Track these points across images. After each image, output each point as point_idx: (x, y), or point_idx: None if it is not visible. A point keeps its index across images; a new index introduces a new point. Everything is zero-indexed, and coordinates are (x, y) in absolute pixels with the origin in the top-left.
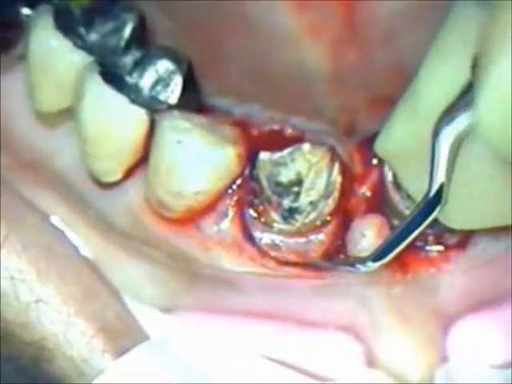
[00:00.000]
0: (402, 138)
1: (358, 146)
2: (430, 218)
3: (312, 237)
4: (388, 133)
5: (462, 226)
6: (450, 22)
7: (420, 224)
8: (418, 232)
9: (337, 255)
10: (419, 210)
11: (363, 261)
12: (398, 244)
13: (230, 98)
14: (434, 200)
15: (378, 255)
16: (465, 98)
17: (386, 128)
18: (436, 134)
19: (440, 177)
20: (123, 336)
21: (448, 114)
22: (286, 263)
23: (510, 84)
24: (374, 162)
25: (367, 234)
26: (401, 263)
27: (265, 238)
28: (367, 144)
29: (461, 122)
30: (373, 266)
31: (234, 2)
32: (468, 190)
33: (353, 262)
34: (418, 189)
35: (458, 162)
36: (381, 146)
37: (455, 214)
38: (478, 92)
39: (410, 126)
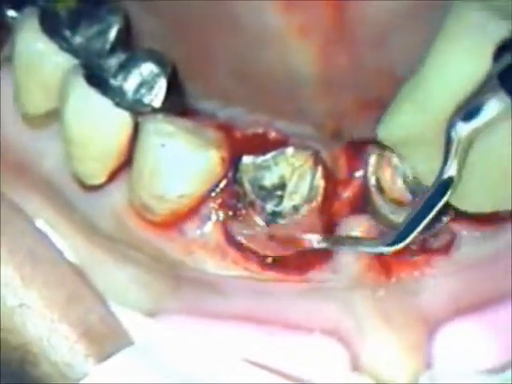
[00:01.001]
0: (409, 125)
1: (343, 150)
2: (444, 200)
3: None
4: (393, 119)
5: (473, 208)
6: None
7: (434, 206)
8: (433, 214)
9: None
10: (432, 192)
11: (381, 243)
12: (416, 225)
13: (215, 100)
14: (446, 184)
15: (397, 238)
16: (486, 89)
17: (391, 114)
18: (452, 125)
19: (453, 164)
20: (107, 340)
21: (466, 106)
22: (270, 267)
23: None
24: (360, 166)
25: (354, 229)
26: (384, 267)
27: (247, 240)
28: (353, 148)
29: (481, 118)
30: (395, 247)
31: (221, 2)
32: (484, 174)
33: (373, 243)
34: (426, 170)
35: (475, 147)
36: (385, 131)
37: (468, 197)
38: None
39: (419, 115)
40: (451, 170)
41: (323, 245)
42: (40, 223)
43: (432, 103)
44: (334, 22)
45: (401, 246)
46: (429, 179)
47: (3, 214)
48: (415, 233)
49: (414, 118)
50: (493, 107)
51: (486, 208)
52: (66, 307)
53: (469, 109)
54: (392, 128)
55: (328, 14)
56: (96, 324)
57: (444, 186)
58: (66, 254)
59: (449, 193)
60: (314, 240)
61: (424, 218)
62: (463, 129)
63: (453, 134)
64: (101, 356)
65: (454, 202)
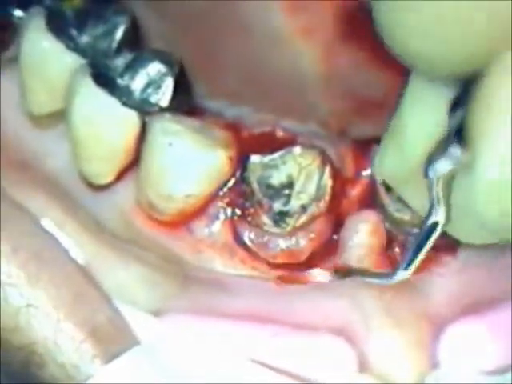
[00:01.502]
0: (392, 166)
1: (350, 149)
2: (431, 241)
3: (301, 236)
4: (380, 160)
5: (466, 240)
6: None
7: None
8: (426, 250)
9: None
10: (422, 235)
11: (385, 276)
12: (412, 261)
13: (222, 100)
14: (434, 226)
15: (403, 265)
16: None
17: (379, 155)
18: (429, 164)
19: (439, 207)
20: (114, 341)
21: (441, 147)
22: (278, 266)
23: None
24: (367, 165)
25: (361, 229)
26: (391, 265)
27: (255, 239)
28: (360, 146)
29: (454, 157)
30: (403, 275)
31: (227, 2)
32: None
33: (378, 275)
34: (419, 205)
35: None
36: (376, 171)
37: (460, 230)
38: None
39: (398, 157)
40: (438, 214)
41: (330, 279)
42: (46, 222)
43: (408, 149)
44: (338, 22)
45: (401, 278)
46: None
47: (8, 212)
48: (413, 267)
49: (397, 160)
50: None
51: (477, 240)
52: (72, 307)
53: (444, 147)
54: (381, 167)
55: (332, 16)
56: (103, 324)
57: (432, 228)
58: (72, 253)
59: (436, 234)
60: (321, 276)
61: (418, 252)
62: (439, 171)
63: (431, 176)
64: (107, 356)
65: (450, 232)
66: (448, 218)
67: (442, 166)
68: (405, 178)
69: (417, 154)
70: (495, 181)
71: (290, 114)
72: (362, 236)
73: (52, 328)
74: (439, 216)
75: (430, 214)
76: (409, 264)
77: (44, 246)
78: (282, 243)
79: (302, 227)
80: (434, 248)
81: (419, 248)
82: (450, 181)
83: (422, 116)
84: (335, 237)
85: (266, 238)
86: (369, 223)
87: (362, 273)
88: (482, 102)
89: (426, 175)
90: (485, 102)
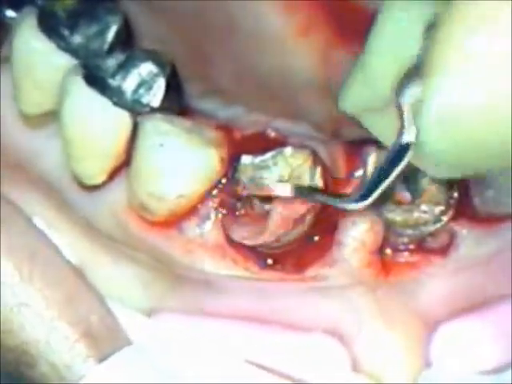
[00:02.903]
0: (358, 96)
1: (342, 150)
2: (404, 163)
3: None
4: (346, 91)
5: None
6: None
7: (394, 167)
8: (394, 176)
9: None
10: (392, 155)
11: (345, 200)
12: (377, 186)
13: (215, 100)
14: (405, 147)
15: (362, 194)
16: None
17: (345, 86)
18: (401, 89)
19: (410, 129)
20: (106, 341)
21: (413, 72)
22: (269, 266)
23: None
24: (359, 166)
25: (358, 225)
26: (383, 265)
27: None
28: (352, 147)
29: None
30: (357, 206)
31: (220, 3)
32: None
33: (336, 198)
34: (383, 133)
35: None
36: (345, 102)
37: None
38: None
39: (365, 86)
40: (409, 135)
41: (289, 193)
42: (39, 222)
43: (378, 76)
44: (333, 22)
45: (362, 204)
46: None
47: (2, 212)
48: (377, 193)
49: (364, 89)
50: None
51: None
52: (65, 306)
53: (410, 79)
54: (347, 98)
55: (327, 16)
56: (96, 324)
57: (403, 149)
58: (65, 253)
59: (408, 155)
60: (282, 189)
61: (386, 178)
62: (410, 96)
63: (401, 101)
64: (100, 356)
65: (419, 165)
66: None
67: (413, 91)
68: (371, 107)
69: (386, 82)
70: (444, 108)
71: (282, 115)
72: (358, 231)
73: (45, 328)
74: (410, 136)
75: (400, 134)
76: (375, 186)
77: (37, 246)
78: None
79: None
80: (425, 249)
81: (387, 171)
82: (418, 106)
83: (395, 42)
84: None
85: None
86: (367, 220)
87: (324, 193)
88: (442, 30)
89: (396, 101)
90: (445, 31)
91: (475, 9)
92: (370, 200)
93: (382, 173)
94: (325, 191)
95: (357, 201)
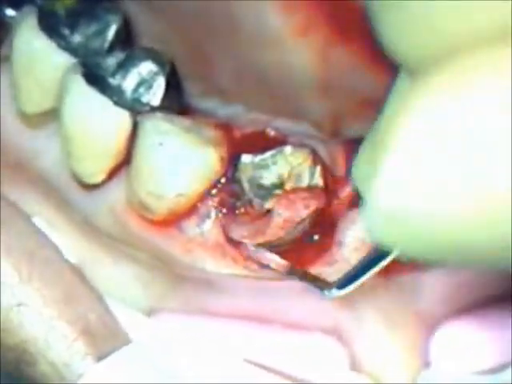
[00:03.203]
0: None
1: (341, 149)
2: (388, 258)
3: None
4: (356, 163)
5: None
6: None
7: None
8: (377, 269)
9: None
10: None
11: (329, 286)
12: (359, 277)
13: (214, 99)
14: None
15: (342, 283)
16: None
17: (356, 157)
18: None
19: None
20: (105, 339)
21: None
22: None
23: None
24: None
25: (358, 221)
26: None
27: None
28: (352, 146)
29: None
30: (338, 293)
31: (220, 2)
32: None
33: (320, 284)
34: None
35: None
36: (353, 174)
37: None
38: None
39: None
40: None
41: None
42: (38, 221)
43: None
44: (333, 21)
45: (341, 293)
46: None
47: (1, 211)
48: (358, 283)
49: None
50: None
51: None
52: (64, 305)
53: None
54: (356, 170)
55: (326, 15)
56: (94, 323)
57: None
58: (64, 252)
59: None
60: (277, 264)
61: (369, 270)
62: None
63: None
64: (99, 355)
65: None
66: None
67: None
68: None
69: None
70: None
71: (282, 114)
72: (358, 230)
73: (44, 326)
74: None
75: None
76: (357, 277)
77: (36, 245)
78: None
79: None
80: None
81: (366, 268)
82: None
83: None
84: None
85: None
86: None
87: (310, 277)
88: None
89: None
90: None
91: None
92: (351, 289)
93: (366, 265)
94: (311, 276)
95: (338, 288)
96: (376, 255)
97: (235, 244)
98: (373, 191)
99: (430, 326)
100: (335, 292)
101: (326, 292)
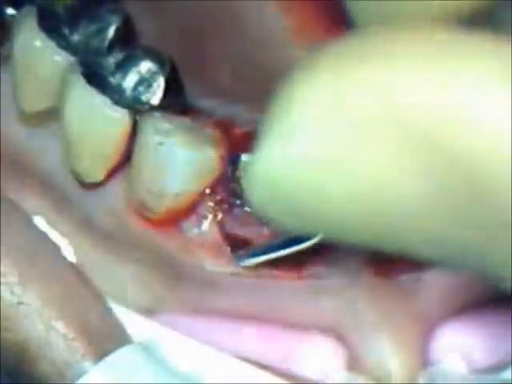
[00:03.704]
0: None
1: None
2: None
3: None
4: None
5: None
6: None
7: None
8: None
9: None
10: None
11: (242, 255)
12: (276, 251)
13: (214, 99)
14: None
15: (254, 253)
16: None
17: None
18: None
19: None
20: (105, 339)
21: None
22: (267, 264)
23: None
24: None
25: None
26: (382, 264)
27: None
28: None
29: None
30: (244, 263)
31: (220, 2)
32: None
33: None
34: None
35: None
36: None
37: None
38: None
39: None
40: None
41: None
42: (38, 221)
43: None
44: (332, 21)
45: (248, 263)
46: None
47: (1, 210)
48: (267, 258)
49: None
50: None
51: None
52: (64, 305)
53: None
54: None
55: (327, 15)
56: (94, 322)
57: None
58: (64, 251)
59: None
60: None
61: (281, 250)
62: None
63: None
64: (99, 354)
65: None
66: None
67: None
68: None
69: None
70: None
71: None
72: None
73: (43, 326)
74: None
75: None
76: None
77: (36, 245)
78: None
79: None
80: None
81: (285, 246)
82: None
83: None
84: None
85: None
86: None
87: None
88: None
89: None
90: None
91: None
92: (253, 262)
93: (287, 243)
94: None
95: (250, 257)
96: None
97: (234, 243)
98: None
99: (430, 325)
100: (246, 260)
101: (238, 257)
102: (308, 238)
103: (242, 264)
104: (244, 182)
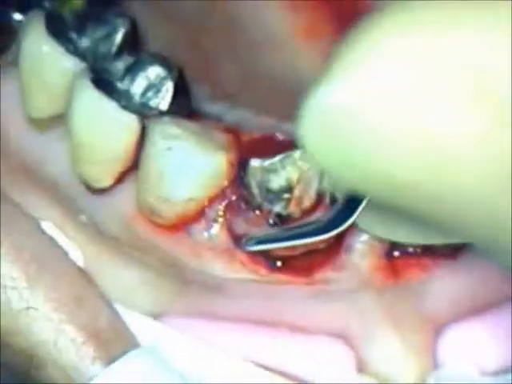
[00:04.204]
0: None
1: None
2: (330, 235)
3: None
4: None
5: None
6: None
7: (319, 234)
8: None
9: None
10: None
11: (249, 240)
12: (286, 241)
13: (222, 103)
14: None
15: (261, 240)
16: None
17: None
18: None
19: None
20: (114, 343)
21: None
22: (278, 269)
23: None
24: None
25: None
26: (392, 268)
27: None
28: None
29: None
30: (251, 248)
31: (227, 5)
32: None
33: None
34: None
35: None
36: None
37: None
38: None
39: None
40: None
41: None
42: (46, 226)
43: None
44: (338, 22)
45: (255, 248)
46: None
47: (10, 215)
48: (277, 246)
49: None
50: None
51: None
52: (73, 309)
53: None
54: None
55: (331, 15)
56: (103, 326)
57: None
58: (72, 256)
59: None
60: None
61: (286, 241)
62: None
63: None
64: (108, 359)
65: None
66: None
67: None
68: None
69: None
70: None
71: (290, 117)
72: (367, 235)
73: (53, 330)
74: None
75: None
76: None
77: (44, 249)
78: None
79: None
80: (434, 252)
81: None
82: None
83: None
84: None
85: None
86: None
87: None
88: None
89: None
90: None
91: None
92: (264, 248)
93: (293, 235)
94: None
95: (257, 243)
96: (309, 231)
97: (243, 248)
98: (327, 83)
99: (438, 328)
100: (253, 246)
101: (246, 243)
102: (320, 232)
103: (249, 249)
104: (301, 120)
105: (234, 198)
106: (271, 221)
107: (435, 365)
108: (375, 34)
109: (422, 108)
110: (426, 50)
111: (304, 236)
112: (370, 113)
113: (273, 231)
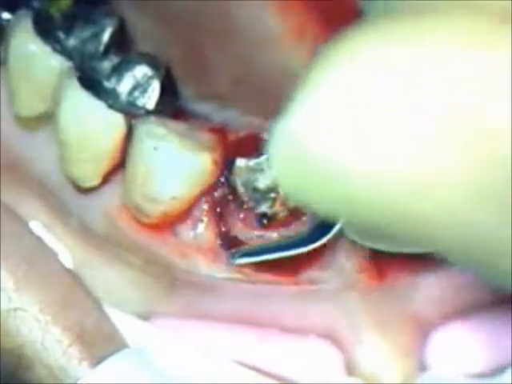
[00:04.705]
0: None
1: None
2: (314, 245)
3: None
4: None
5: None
6: None
7: (304, 246)
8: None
9: None
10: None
11: (235, 253)
12: (272, 253)
13: (210, 103)
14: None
15: (247, 253)
16: None
17: None
18: None
19: None
20: (101, 344)
21: None
22: (264, 269)
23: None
24: None
25: None
26: (377, 269)
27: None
28: None
29: None
30: (238, 261)
31: (216, 4)
32: None
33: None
34: None
35: None
36: None
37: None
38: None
39: None
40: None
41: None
42: (34, 225)
43: None
44: (329, 22)
45: (240, 262)
46: None
47: None
48: (261, 259)
49: None
50: None
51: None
52: (60, 310)
53: None
54: None
55: (323, 16)
56: (91, 327)
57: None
58: (60, 256)
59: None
60: None
61: (275, 253)
62: None
63: None
64: (95, 360)
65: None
66: None
67: None
68: None
69: None
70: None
71: (278, 117)
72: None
73: (40, 331)
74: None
75: None
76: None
77: (32, 250)
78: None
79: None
80: (421, 253)
81: (279, 250)
82: None
83: None
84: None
85: (251, 241)
86: None
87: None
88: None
89: None
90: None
91: None
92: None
93: (281, 247)
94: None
95: (244, 256)
96: (294, 242)
97: (229, 247)
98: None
99: (426, 329)
100: (240, 259)
101: (232, 255)
102: (305, 243)
103: (235, 262)
104: (270, 148)
105: (219, 197)
106: (257, 220)
107: (422, 366)
108: (333, 60)
109: (373, 137)
110: (375, 79)
111: (289, 248)
112: (319, 141)
113: (258, 244)
